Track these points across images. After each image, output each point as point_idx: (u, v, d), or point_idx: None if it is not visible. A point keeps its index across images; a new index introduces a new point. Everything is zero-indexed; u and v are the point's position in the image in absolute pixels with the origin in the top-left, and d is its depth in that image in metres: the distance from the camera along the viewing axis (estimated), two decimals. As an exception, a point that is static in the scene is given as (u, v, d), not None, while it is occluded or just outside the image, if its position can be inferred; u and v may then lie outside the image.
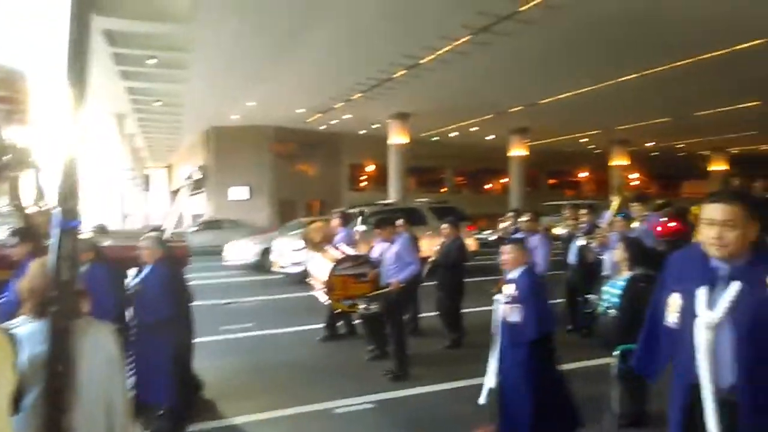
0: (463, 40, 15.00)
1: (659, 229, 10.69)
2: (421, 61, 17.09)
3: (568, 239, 8.75)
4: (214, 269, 16.32)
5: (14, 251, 4.96)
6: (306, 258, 8.81)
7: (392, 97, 21.87)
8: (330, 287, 6.82)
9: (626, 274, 4.96)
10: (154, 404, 4.93)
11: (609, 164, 36.03)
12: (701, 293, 2.31)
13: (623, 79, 18.55)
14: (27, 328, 2.62)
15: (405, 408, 5.61)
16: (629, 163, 36.12)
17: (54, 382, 2.55)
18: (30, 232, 5.22)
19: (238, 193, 30.70)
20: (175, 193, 47.39)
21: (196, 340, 5.67)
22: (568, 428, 4.61)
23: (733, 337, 2.23)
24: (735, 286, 2.25)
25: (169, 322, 4.96)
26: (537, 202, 26.02)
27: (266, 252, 15.42)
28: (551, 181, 43.82)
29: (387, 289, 6.65)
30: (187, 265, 6.50)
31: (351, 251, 7.46)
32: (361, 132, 31.49)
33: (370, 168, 36.20)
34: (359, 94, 21.89)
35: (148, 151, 41.72)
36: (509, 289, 4.66)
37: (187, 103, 23.69)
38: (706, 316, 2.26)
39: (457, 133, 31.19)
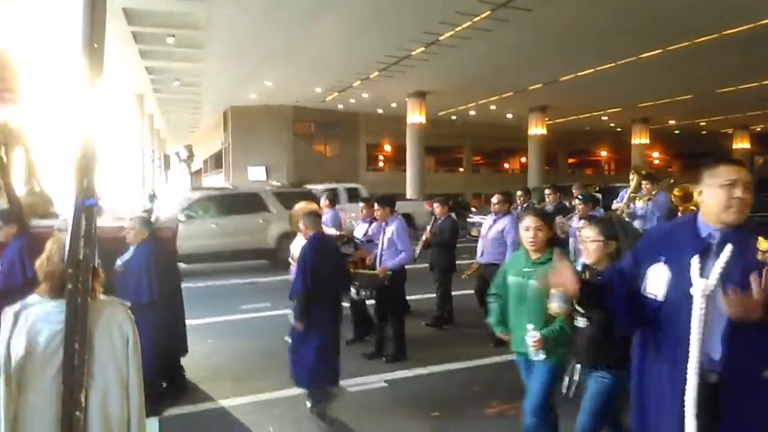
0: (483, 15, 14.78)
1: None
2: (440, 38, 16.89)
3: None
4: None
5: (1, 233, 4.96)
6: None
7: (410, 75, 21.70)
8: None
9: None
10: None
11: (630, 143, 35.48)
12: (695, 261, 2.24)
13: (645, 55, 18.20)
14: (43, 307, 2.63)
15: (416, 387, 5.69)
16: (650, 141, 35.54)
17: (70, 360, 2.57)
18: (14, 214, 5.18)
19: (256, 173, 30.77)
20: (196, 173, 47.69)
21: (217, 319, 5.65)
22: None
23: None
24: (728, 250, 2.21)
25: (150, 306, 4.86)
26: (556, 181, 25.74)
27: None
28: (571, 160, 43.34)
29: (374, 272, 6.54)
30: (174, 247, 6.34)
31: (335, 233, 7.27)
32: (379, 111, 31.34)
33: (388, 148, 36.04)
34: (377, 73, 21.74)
35: (167, 131, 41.98)
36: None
37: (205, 83, 23.73)
38: (701, 283, 2.19)
39: (475, 112, 30.91)
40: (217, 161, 37.51)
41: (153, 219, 6.08)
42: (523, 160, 36.59)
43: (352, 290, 6.90)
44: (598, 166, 44.71)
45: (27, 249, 4.75)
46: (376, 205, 6.89)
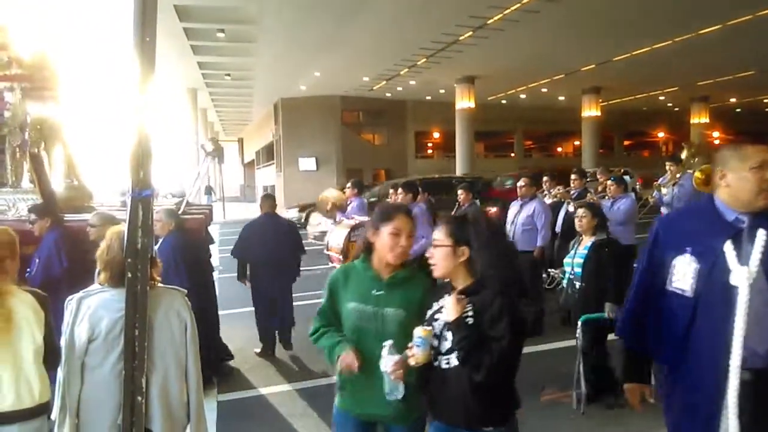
0: (532, -4, 14.46)
1: None
2: (489, 22, 16.63)
3: (556, 207, 7.97)
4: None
5: (34, 227, 5.14)
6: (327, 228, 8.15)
7: (459, 61, 21.47)
8: (346, 254, 6.53)
9: (588, 242, 4.77)
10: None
11: (689, 122, 34.16)
12: (728, 248, 2.03)
13: (704, 31, 17.43)
14: (104, 296, 2.74)
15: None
16: (710, 120, 34.13)
17: (131, 347, 2.67)
18: (48, 208, 5.35)
19: (307, 164, 31.11)
20: (248, 165, 48.62)
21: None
22: None
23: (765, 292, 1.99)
24: (762, 235, 2.01)
25: None
26: (612, 164, 25.10)
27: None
28: (627, 143, 42.08)
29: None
30: (204, 237, 6.37)
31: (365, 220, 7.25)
32: (427, 98, 31.16)
33: (437, 135, 35.83)
34: (424, 59, 21.60)
35: (220, 125, 42.87)
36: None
37: (256, 76, 24.10)
38: (743, 271, 1.98)
39: (525, 96, 30.35)
40: (268, 153, 38.07)
41: (181, 209, 6.17)
42: (577, 143, 35.76)
43: None
44: (656, 148, 43.23)
45: (62, 241, 4.96)
46: (399, 191, 6.76)
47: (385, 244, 2.49)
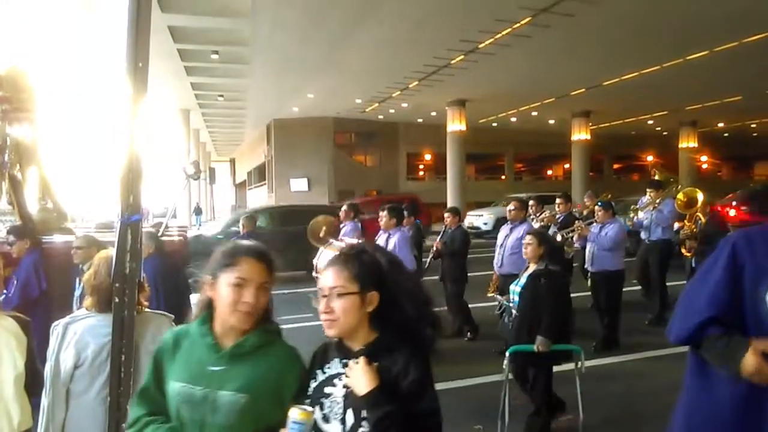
0: (523, 22, 14.64)
1: (732, 213, 10.08)
2: (480, 46, 16.80)
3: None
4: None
5: (13, 249, 5.10)
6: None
7: (450, 84, 21.63)
8: None
9: (530, 270, 4.71)
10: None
11: (677, 146, 34.52)
12: None
13: (692, 57, 17.68)
14: (90, 321, 2.71)
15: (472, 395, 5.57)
16: (699, 145, 34.51)
17: (117, 372, 2.63)
18: (27, 230, 5.37)
19: (299, 184, 31.14)
20: (240, 186, 48.62)
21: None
22: None
23: None
24: None
25: None
26: (602, 188, 25.27)
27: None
28: (616, 166, 42.44)
29: None
30: (184, 260, 6.34)
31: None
32: (419, 120, 31.35)
33: (428, 157, 36.00)
34: (416, 82, 21.75)
35: (213, 146, 42.91)
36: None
37: (249, 97, 24.18)
38: None
39: (516, 119, 30.60)
40: (260, 174, 38.12)
41: (160, 232, 6.15)
42: (567, 166, 36.00)
43: None
44: (645, 171, 43.59)
45: (41, 263, 4.93)
46: (383, 213, 6.74)
47: (224, 299, 1.81)
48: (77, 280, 5.04)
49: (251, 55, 17.62)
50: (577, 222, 7.99)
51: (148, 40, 2.72)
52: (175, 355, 1.88)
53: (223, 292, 1.82)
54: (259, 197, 37.24)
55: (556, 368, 4.72)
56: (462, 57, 18.02)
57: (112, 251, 2.78)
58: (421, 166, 37.26)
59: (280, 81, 21.53)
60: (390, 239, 6.48)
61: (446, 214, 8.19)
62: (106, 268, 2.75)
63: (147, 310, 2.91)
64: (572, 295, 4.81)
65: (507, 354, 4.41)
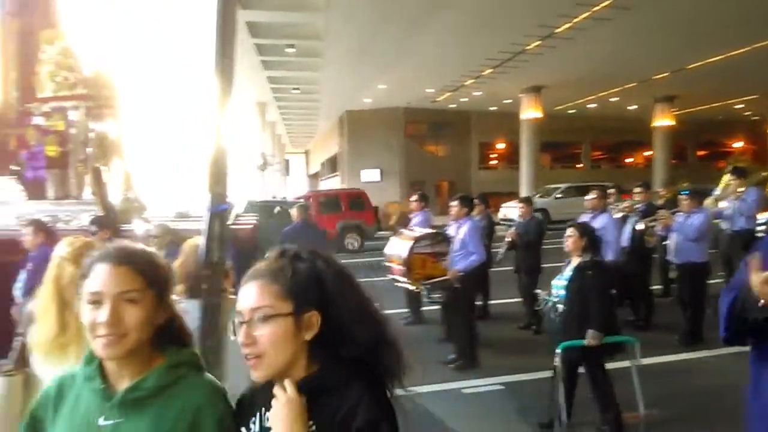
0: (603, 5, 14.14)
1: None
2: (557, 31, 16.35)
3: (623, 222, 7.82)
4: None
5: (95, 238, 5.33)
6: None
7: (525, 71, 21.21)
8: (409, 267, 6.46)
9: (574, 263, 4.50)
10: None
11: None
12: None
13: (787, 35, 16.55)
14: (180, 307, 2.81)
15: (487, 399, 5.46)
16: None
17: (205, 358, 2.73)
18: (108, 220, 5.58)
19: (370, 175, 31.39)
20: (313, 177, 49.49)
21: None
22: None
23: None
24: None
25: None
26: (684, 175, 24.10)
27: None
28: (700, 153, 40.30)
29: (445, 278, 6.26)
30: (255, 246, 6.55)
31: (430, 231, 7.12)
32: (492, 109, 30.89)
33: (501, 146, 35.41)
34: (490, 70, 21.44)
35: (287, 138, 43.87)
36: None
37: (322, 90, 24.55)
38: None
39: (595, 105, 29.61)
40: (333, 164, 38.66)
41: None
42: (647, 153, 34.54)
43: (424, 292, 6.74)
44: (731, 158, 41.25)
45: None
46: (455, 203, 6.67)
47: (84, 321, 1.36)
48: None
49: (325, 48, 17.86)
50: (660, 211, 7.65)
51: (234, 38, 2.80)
52: (59, 409, 1.42)
53: (83, 316, 1.36)
54: (332, 188, 37.79)
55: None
56: (538, 42, 17.60)
57: (199, 240, 2.87)
58: (494, 155, 36.70)
59: (353, 73, 21.72)
60: (460, 229, 6.41)
61: (520, 204, 8.05)
62: (194, 256, 2.84)
63: (231, 296, 3.00)
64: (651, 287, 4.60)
65: (558, 350, 4.30)
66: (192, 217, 7.77)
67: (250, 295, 1.27)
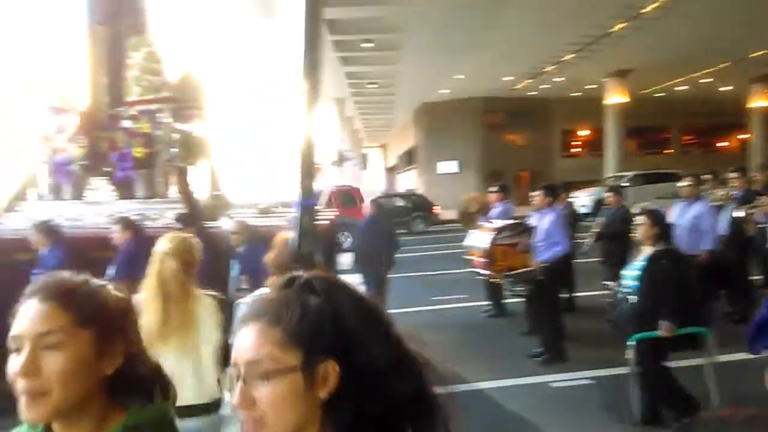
0: (694, -20, 13.38)
1: None
2: (643, 11, 15.63)
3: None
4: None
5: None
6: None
7: (610, 54, 20.46)
8: (491, 258, 6.38)
9: (646, 252, 4.24)
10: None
11: None
12: None
13: None
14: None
15: (576, 393, 5.30)
16: None
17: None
18: (192, 217, 5.73)
19: (447, 167, 31.17)
20: (390, 170, 49.79)
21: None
22: None
23: None
24: None
25: None
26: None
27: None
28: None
29: (528, 269, 6.11)
30: (332, 241, 6.76)
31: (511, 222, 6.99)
32: (574, 94, 29.96)
33: (584, 132, 34.28)
34: (572, 55, 20.80)
35: (364, 132, 44.31)
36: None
37: (398, 83, 24.63)
38: None
39: (686, 87, 28.11)
40: (410, 157, 38.70)
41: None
42: (743, 136, 32.47)
43: (507, 285, 6.60)
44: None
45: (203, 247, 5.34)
46: (538, 192, 6.51)
47: None
48: (234, 261, 5.50)
49: (402, 40, 17.89)
50: (762, 197, 7.16)
51: (320, 37, 2.85)
52: None
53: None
54: (409, 181, 37.85)
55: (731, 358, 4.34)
56: (623, 24, 16.91)
57: (290, 234, 2.95)
58: (576, 143, 35.57)
59: (430, 64, 21.63)
60: (544, 219, 6.26)
61: (607, 194, 7.78)
62: (286, 248, 2.92)
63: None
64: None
65: (631, 343, 4.15)
66: (274, 213, 8.02)
67: (246, 342, 0.94)
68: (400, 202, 21.60)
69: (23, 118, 7.39)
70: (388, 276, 7.73)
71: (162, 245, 2.81)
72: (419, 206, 21.28)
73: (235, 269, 5.40)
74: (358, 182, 38.51)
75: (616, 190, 7.82)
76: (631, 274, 4.36)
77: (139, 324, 1.26)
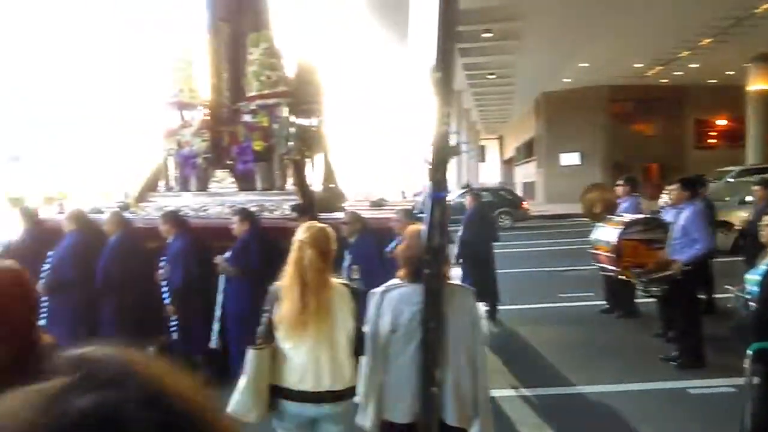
0: None
1: None
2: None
3: None
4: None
5: (294, 224, 5.64)
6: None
7: (753, 37, 18.83)
8: (618, 253, 6.08)
9: None
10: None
11: None
12: None
13: None
14: (404, 289, 2.95)
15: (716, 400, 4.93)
16: None
17: (429, 338, 2.83)
18: (308, 208, 5.84)
19: (569, 159, 30.10)
20: (507, 162, 48.92)
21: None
22: None
23: None
24: None
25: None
26: None
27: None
28: None
29: (667, 273, 5.64)
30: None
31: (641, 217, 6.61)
32: (711, 81, 27.79)
33: (721, 122, 31.72)
34: (709, 39, 19.34)
35: (481, 124, 43.80)
36: None
37: (518, 73, 24.08)
38: None
39: None
40: (528, 149, 37.77)
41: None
42: None
43: (640, 286, 6.23)
44: None
45: None
46: (674, 186, 6.06)
47: None
48: (345, 251, 5.64)
49: (524, 28, 17.46)
50: None
51: (455, 30, 2.84)
52: None
53: None
54: (527, 173, 36.96)
55: None
56: (769, 4, 15.47)
57: (421, 226, 2.98)
58: (713, 134, 32.99)
59: (552, 52, 20.95)
60: (681, 214, 5.88)
61: (756, 188, 7.14)
62: (416, 241, 2.95)
63: (450, 282, 3.07)
64: None
65: (749, 353, 3.72)
66: (386, 205, 8.15)
67: None
68: (488, 197, 21.09)
69: (152, 113, 7.82)
70: (495, 270, 7.75)
71: (300, 234, 2.93)
72: (507, 202, 20.70)
73: (346, 259, 5.57)
74: (474, 175, 38.26)
75: (765, 183, 7.15)
76: (753, 278, 4.00)
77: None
